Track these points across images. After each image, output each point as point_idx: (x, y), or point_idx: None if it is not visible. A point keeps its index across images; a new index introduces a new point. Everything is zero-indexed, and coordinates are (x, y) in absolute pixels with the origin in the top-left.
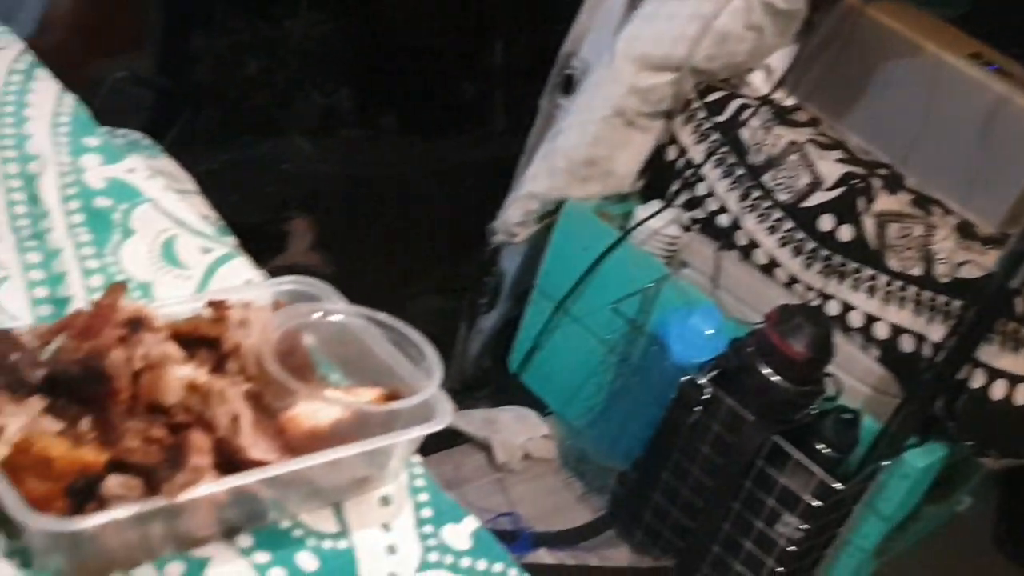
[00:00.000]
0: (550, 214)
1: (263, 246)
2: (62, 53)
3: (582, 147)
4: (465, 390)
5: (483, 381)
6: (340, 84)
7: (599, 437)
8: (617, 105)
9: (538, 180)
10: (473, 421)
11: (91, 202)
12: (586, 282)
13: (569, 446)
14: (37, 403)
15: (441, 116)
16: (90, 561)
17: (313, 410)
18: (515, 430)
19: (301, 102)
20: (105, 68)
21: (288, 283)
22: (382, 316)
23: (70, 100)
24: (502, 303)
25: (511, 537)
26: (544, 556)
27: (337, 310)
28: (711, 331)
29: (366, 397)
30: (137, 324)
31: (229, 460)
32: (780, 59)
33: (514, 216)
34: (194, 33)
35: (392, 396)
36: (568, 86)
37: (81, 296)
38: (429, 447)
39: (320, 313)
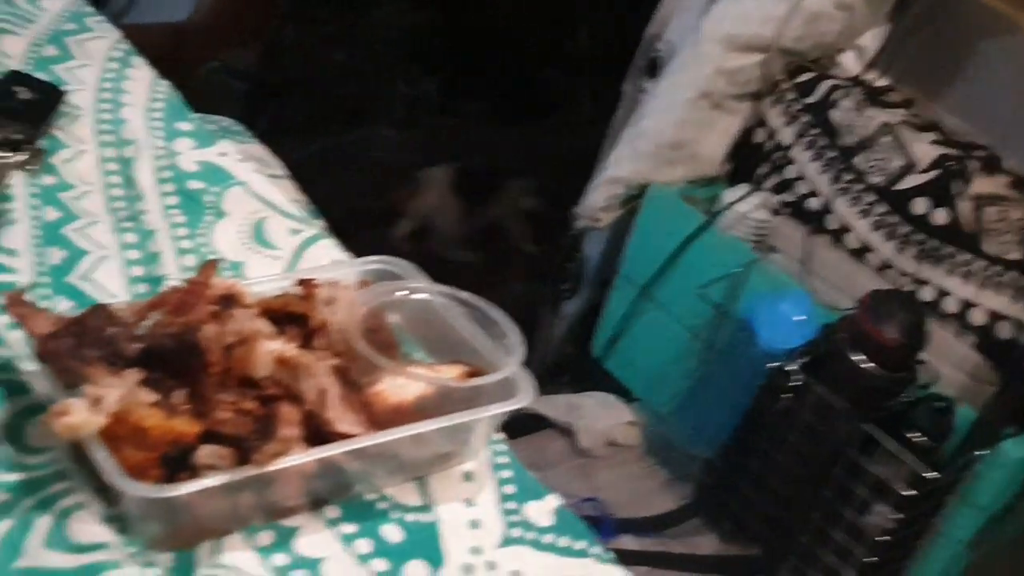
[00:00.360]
0: (634, 198)
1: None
2: (199, 43)
3: (667, 130)
4: (548, 376)
5: (566, 367)
6: (425, 73)
7: (684, 424)
8: (703, 87)
9: (622, 164)
10: (556, 406)
11: (184, 184)
12: (671, 267)
13: (653, 433)
14: (133, 375)
15: (526, 103)
16: (183, 528)
17: (398, 386)
18: (598, 416)
19: (387, 92)
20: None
21: (373, 263)
22: (464, 295)
23: (164, 86)
24: (585, 289)
25: (594, 523)
26: (627, 543)
27: (421, 288)
28: (800, 317)
29: (449, 374)
30: (229, 300)
31: (317, 433)
32: (872, 39)
33: (598, 201)
34: (283, 25)
35: (475, 374)
36: (653, 69)
37: (175, 275)
38: (512, 431)
39: (404, 292)
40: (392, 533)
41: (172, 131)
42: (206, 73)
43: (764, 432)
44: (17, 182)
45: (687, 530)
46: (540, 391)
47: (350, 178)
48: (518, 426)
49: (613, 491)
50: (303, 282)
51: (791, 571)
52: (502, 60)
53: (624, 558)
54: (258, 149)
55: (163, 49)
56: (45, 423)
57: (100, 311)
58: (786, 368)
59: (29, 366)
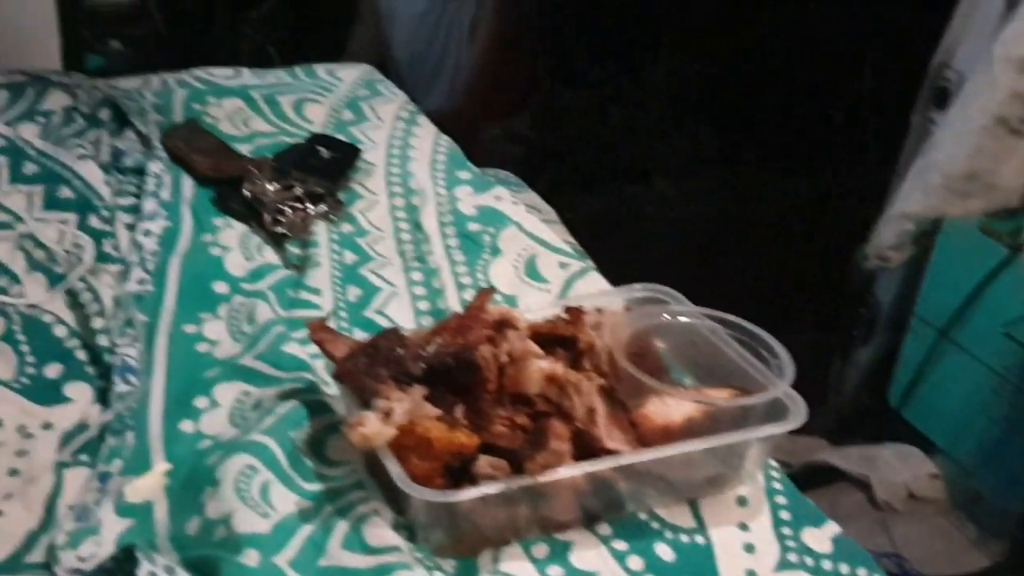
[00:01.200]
0: (927, 235)
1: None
2: (461, 117)
3: (960, 160)
4: (843, 426)
5: (862, 417)
6: (703, 125)
7: (993, 475)
8: (998, 113)
9: (912, 199)
10: (851, 458)
11: (464, 227)
12: (972, 306)
13: (958, 485)
14: (419, 391)
15: (808, 146)
16: (465, 535)
17: (665, 407)
18: (897, 468)
19: (664, 146)
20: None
21: (638, 290)
22: (729, 316)
23: (445, 140)
24: (879, 333)
25: None
26: None
27: (685, 312)
28: None
29: (719, 396)
30: (503, 325)
31: (586, 449)
32: None
33: (887, 239)
34: (560, 89)
35: (743, 396)
36: (941, 99)
37: (456, 308)
38: (806, 483)
39: (668, 315)
40: (665, 553)
41: (453, 180)
42: (487, 140)
43: None
44: (320, 230)
45: None
46: (834, 442)
47: (631, 235)
48: (811, 477)
49: (916, 547)
50: (570, 309)
51: None
52: (781, 104)
53: None
54: (532, 197)
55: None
56: (343, 435)
57: (391, 334)
58: None
59: (330, 389)
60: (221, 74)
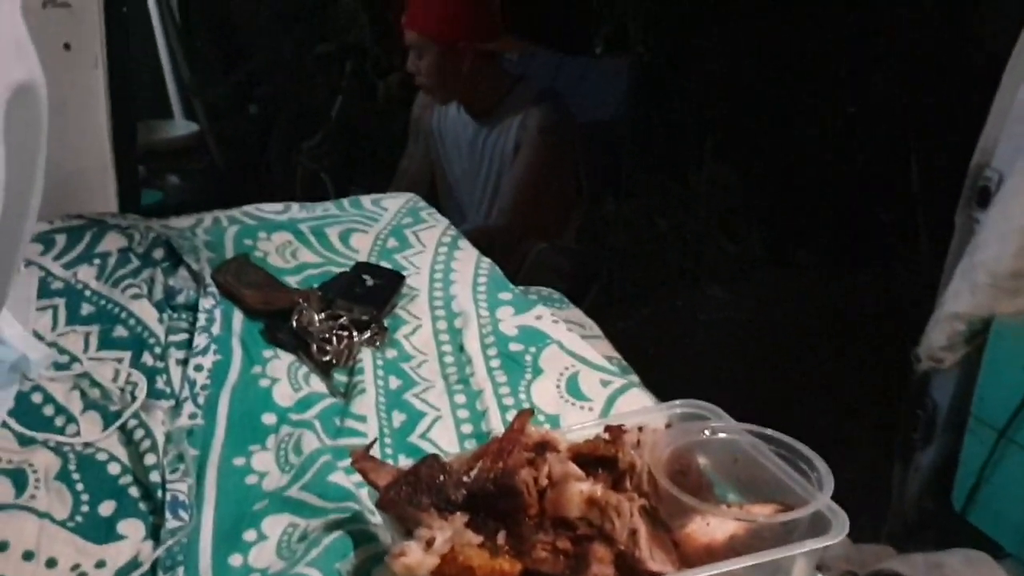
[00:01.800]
0: (979, 334)
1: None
2: (510, 234)
3: (1005, 259)
4: (906, 533)
5: (927, 522)
6: (750, 228)
7: None
8: None
9: (960, 299)
10: (917, 565)
11: (506, 347)
12: None
13: None
14: (460, 518)
15: (857, 246)
16: None
17: (707, 526)
18: (966, 575)
19: (712, 251)
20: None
21: (679, 406)
22: (768, 431)
23: (486, 263)
24: (938, 435)
25: None
26: None
27: (724, 428)
28: None
29: (760, 513)
30: (543, 447)
31: (629, 572)
32: None
33: (938, 340)
34: (606, 201)
35: (785, 511)
36: (983, 198)
37: (499, 430)
38: None
39: (708, 431)
40: None
41: (495, 301)
42: (535, 254)
43: None
44: (366, 357)
45: None
46: (900, 549)
47: (683, 340)
48: None
49: None
50: (611, 428)
51: None
52: (829, 205)
53: None
54: (575, 313)
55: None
56: (387, 565)
57: (432, 461)
58: None
59: (376, 518)
60: (270, 209)
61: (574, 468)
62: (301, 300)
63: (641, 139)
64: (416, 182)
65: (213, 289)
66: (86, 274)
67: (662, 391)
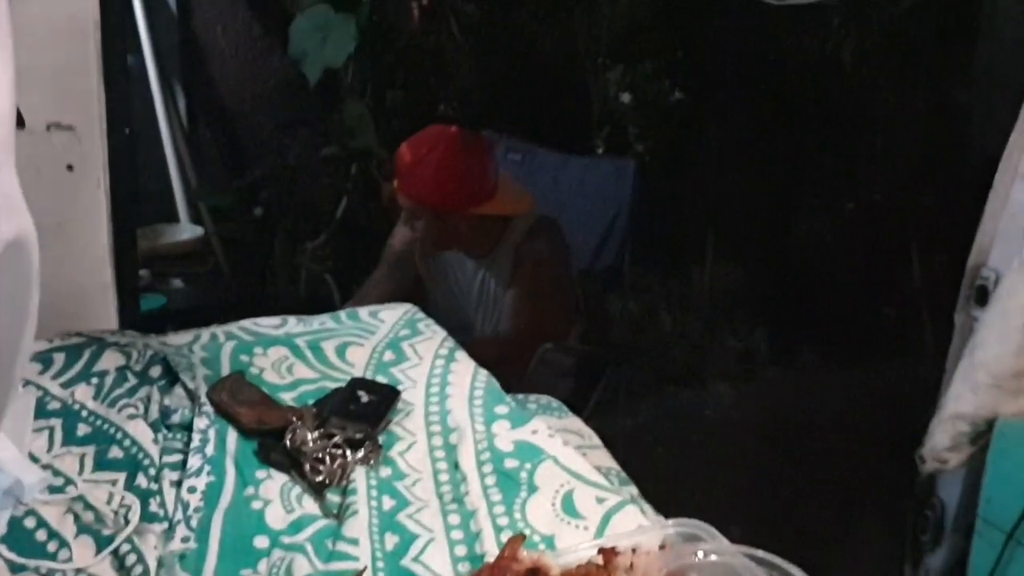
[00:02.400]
0: (983, 434)
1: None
2: (509, 343)
3: (1006, 358)
4: None
5: None
6: (754, 325)
7: None
8: None
9: (962, 399)
10: None
11: (501, 464)
12: None
13: None
14: None
15: (861, 342)
16: None
17: None
18: None
19: (717, 349)
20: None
21: (673, 526)
22: (760, 553)
23: (483, 375)
24: (948, 537)
25: None
26: None
27: (718, 550)
28: None
29: None
30: (535, 573)
31: None
32: None
33: (941, 441)
34: (609, 300)
35: None
36: (982, 297)
37: (493, 552)
38: None
39: (702, 553)
40: None
41: (491, 415)
42: (541, 354)
43: None
44: (359, 476)
45: None
46: None
47: (686, 438)
48: None
49: None
50: (603, 551)
51: None
52: (833, 301)
53: None
54: (573, 423)
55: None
56: None
57: None
58: None
59: None
60: (267, 324)
61: None
62: (295, 419)
63: (644, 237)
64: None
65: (208, 408)
66: (83, 393)
67: (667, 496)
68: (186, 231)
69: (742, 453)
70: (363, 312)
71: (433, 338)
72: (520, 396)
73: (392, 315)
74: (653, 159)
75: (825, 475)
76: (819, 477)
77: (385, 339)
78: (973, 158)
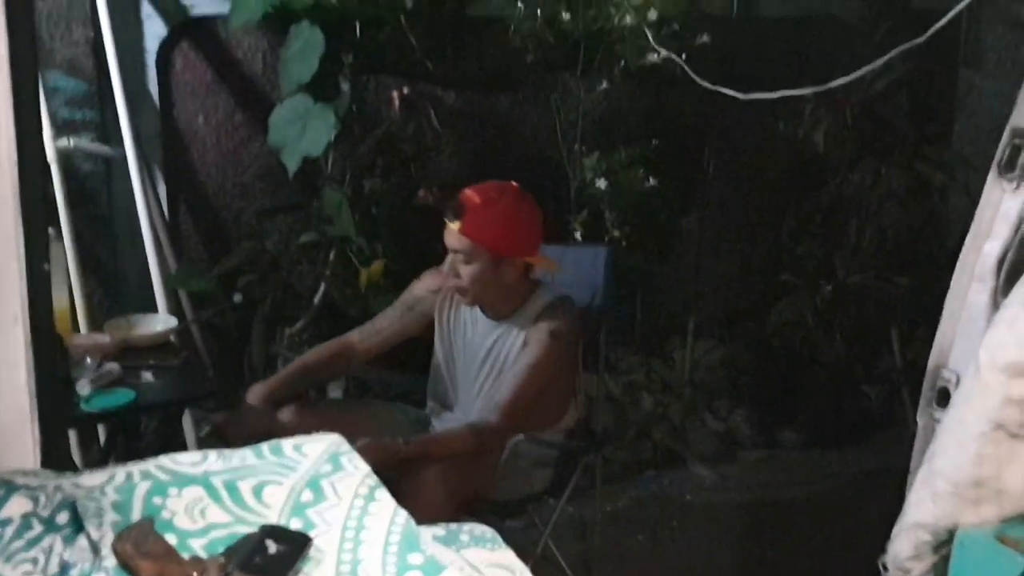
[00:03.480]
0: (944, 543)
1: None
2: (495, 435)
3: (964, 467)
4: None
5: None
6: (735, 407)
7: None
8: (995, 419)
9: (923, 507)
10: None
11: None
12: None
13: None
14: None
15: (844, 425)
16: None
17: None
18: None
19: (698, 431)
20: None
21: None
22: None
23: (402, 517)
24: None
25: None
26: None
27: None
28: None
29: None
30: None
31: None
32: None
33: (904, 549)
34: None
35: None
36: (943, 399)
37: None
38: None
39: None
40: None
41: (404, 565)
42: (512, 447)
43: None
44: None
45: None
46: None
47: (667, 523)
48: None
49: None
50: None
51: None
52: (814, 382)
53: None
54: (505, 556)
55: (465, 450)
56: None
57: None
58: None
59: None
60: (186, 461)
61: None
62: (196, 574)
63: (625, 320)
64: (381, 344)
65: (109, 562)
66: None
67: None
68: (159, 322)
69: (723, 537)
70: (287, 445)
71: (355, 475)
72: (453, 526)
73: (316, 448)
74: (630, 244)
75: (807, 559)
76: (800, 562)
77: (305, 476)
78: (950, 239)
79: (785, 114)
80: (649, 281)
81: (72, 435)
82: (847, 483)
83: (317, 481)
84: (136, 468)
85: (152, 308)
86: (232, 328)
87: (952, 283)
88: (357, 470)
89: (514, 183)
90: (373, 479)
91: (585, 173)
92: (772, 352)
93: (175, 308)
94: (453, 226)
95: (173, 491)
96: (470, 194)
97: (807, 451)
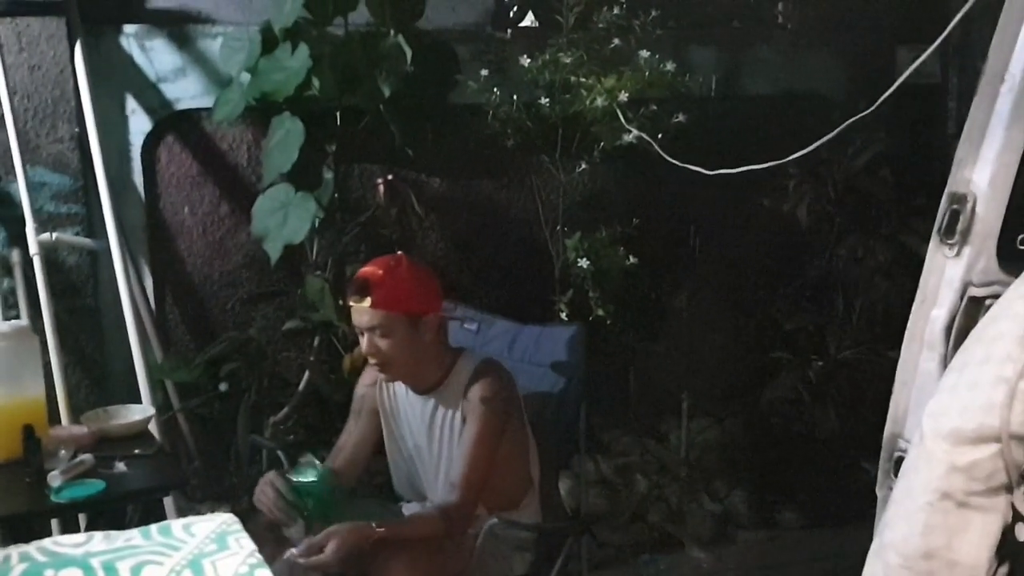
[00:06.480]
0: None
1: None
2: (460, 511)
3: (913, 538)
4: None
5: None
6: (732, 487)
7: None
8: (940, 488)
9: None
10: None
11: None
12: None
13: None
14: None
15: (844, 502)
16: None
17: None
18: None
19: (694, 512)
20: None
21: None
22: None
23: None
24: None
25: None
26: None
27: None
28: None
29: None
30: None
31: None
32: None
33: None
34: (564, 469)
35: None
36: (900, 469)
37: None
38: None
39: None
40: None
41: None
42: (489, 528)
43: None
44: None
45: None
46: None
47: None
48: None
49: None
50: None
51: None
52: (811, 459)
53: None
54: None
55: (436, 532)
56: None
57: None
58: None
59: None
60: (69, 543)
61: None
62: None
63: (617, 400)
64: (351, 460)
65: None
66: None
67: None
68: (136, 413)
69: None
70: (176, 526)
71: (238, 554)
72: None
73: (205, 528)
74: (617, 322)
75: None
76: None
77: (188, 556)
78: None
79: (769, 190)
80: (640, 360)
81: (55, 524)
82: (850, 563)
83: (199, 561)
84: (15, 550)
85: (138, 398)
86: (218, 417)
87: (903, 351)
88: (242, 549)
89: (398, 251)
90: (256, 558)
91: (568, 253)
92: (768, 429)
93: (162, 398)
94: (362, 305)
95: (49, 572)
96: (369, 271)
97: (807, 531)
